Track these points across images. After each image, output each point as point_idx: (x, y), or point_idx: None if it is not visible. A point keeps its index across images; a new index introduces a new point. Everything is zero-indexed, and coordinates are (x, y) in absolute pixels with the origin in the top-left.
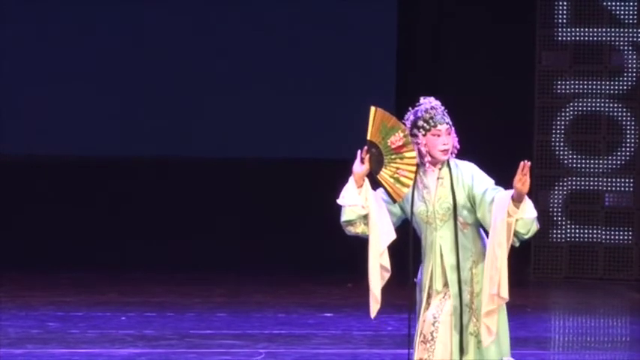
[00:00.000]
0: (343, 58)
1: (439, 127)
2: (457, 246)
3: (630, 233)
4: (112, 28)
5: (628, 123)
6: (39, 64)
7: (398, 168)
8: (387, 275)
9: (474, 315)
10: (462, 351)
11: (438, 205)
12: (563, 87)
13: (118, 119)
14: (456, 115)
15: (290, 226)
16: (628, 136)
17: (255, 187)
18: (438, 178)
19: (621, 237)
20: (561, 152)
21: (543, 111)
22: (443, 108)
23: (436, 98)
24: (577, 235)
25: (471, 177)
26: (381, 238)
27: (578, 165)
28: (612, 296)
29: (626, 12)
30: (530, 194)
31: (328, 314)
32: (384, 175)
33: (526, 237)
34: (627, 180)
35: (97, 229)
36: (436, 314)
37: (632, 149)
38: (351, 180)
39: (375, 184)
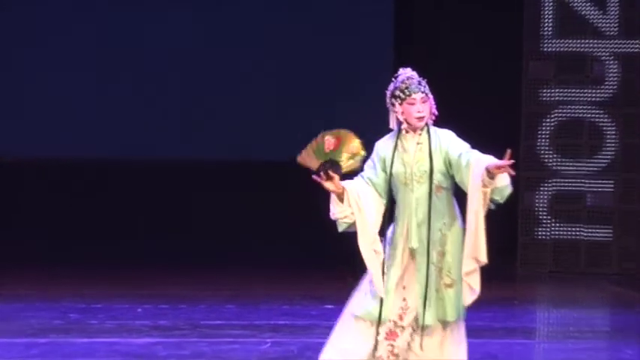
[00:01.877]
0: (337, 57)
1: (414, 95)
2: (430, 207)
3: (610, 231)
4: (111, 30)
5: (608, 128)
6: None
7: (346, 152)
8: (381, 257)
9: (440, 274)
10: (425, 305)
11: (416, 168)
12: (548, 95)
13: (122, 120)
14: (449, 120)
15: (291, 225)
16: (608, 140)
17: (260, 188)
18: (418, 143)
19: (602, 234)
20: (546, 156)
21: (529, 117)
22: (420, 79)
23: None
24: (561, 233)
25: (448, 142)
26: (370, 229)
27: (562, 167)
28: (594, 289)
29: (607, 25)
30: (516, 195)
31: (329, 306)
32: (346, 167)
33: (501, 202)
34: (607, 181)
35: (114, 227)
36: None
37: (612, 153)
38: (333, 197)
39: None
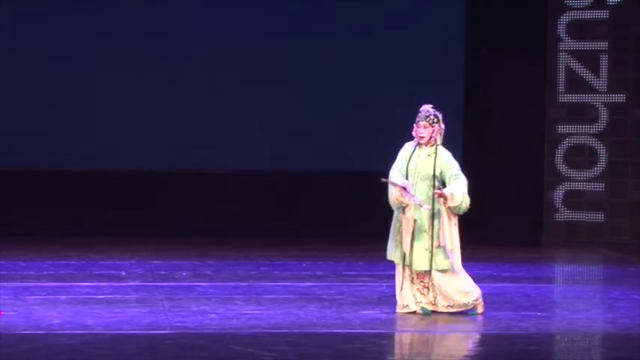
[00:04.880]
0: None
1: (420, 122)
2: (433, 194)
3: (602, 215)
4: (110, 32)
5: (600, 151)
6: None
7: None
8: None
9: (432, 238)
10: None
11: (422, 169)
12: (562, 129)
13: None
14: (498, 143)
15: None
16: (600, 158)
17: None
18: (428, 155)
19: (596, 217)
20: (561, 167)
21: (550, 143)
22: (433, 112)
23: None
24: (570, 216)
25: (447, 161)
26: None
27: (571, 175)
28: (592, 252)
29: (600, 84)
30: (542, 192)
31: None
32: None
33: (460, 212)
34: (600, 184)
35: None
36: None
37: (603, 166)
38: (397, 193)
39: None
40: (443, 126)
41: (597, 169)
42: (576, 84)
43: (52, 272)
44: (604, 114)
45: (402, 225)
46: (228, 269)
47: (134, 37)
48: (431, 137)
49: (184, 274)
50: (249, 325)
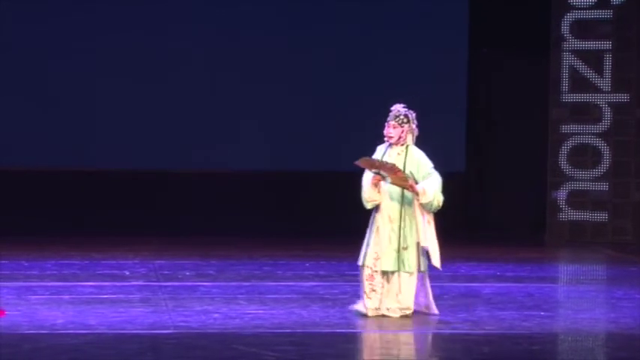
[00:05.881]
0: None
1: (390, 122)
2: (402, 195)
3: (605, 215)
4: (110, 33)
5: (604, 150)
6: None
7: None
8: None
9: (399, 239)
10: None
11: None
12: (565, 129)
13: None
14: (507, 143)
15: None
16: (604, 158)
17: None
18: (398, 154)
19: (600, 217)
20: (564, 167)
21: (554, 143)
22: (400, 112)
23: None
24: (574, 216)
25: (418, 159)
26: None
27: (574, 175)
28: (595, 252)
29: (604, 83)
30: (545, 191)
31: None
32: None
33: (432, 210)
34: (604, 184)
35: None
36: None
37: (607, 166)
38: (370, 188)
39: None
40: (414, 126)
41: (601, 169)
42: (580, 84)
43: (55, 272)
44: (607, 114)
45: (377, 222)
46: (231, 269)
47: (134, 38)
48: (400, 137)
49: (187, 273)
50: (252, 324)
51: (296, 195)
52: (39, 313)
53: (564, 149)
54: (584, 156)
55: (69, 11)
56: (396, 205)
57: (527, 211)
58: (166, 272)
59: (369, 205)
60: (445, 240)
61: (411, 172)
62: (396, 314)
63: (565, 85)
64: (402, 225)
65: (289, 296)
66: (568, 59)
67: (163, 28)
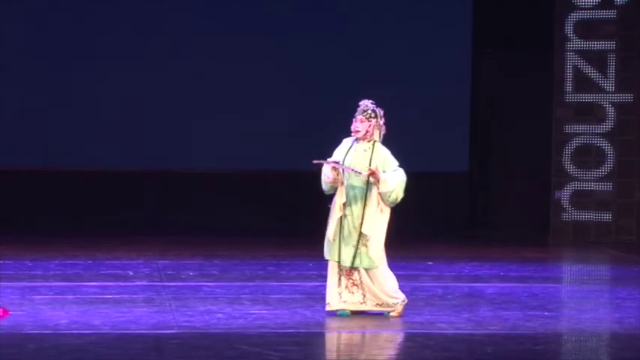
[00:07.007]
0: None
1: (357, 116)
2: (365, 191)
3: (610, 215)
4: (111, 33)
5: (608, 150)
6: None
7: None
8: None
9: (358, 236)
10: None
11: (357, 164)
12: (569, 129)
13: (125, 133)
14: (501, 142)
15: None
16: (608, 158)
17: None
18: (365, 150)
19: (604, 217)
20: (568, 167)
21: (558, 143)
22: (368, 107)
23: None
24: (578, 216)
25: (385, 157)
26: (343, 193)
27: (579, 175)
28: (599, 252)
29: (608, 83)
30: (549, 191)
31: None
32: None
33: (389, 201)
34: (608, 184)
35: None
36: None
37: (611, 166)
38: (329, 171)
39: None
40: (382, 122)
41: (605, 169)
42: (584, 84)
43: (59, 272)
44: (611, 114)
45: (331, 209)
46: (234, 269)
47: (134, 38)
48: (367, 132)
49: (191, 273)
50: (256, 324)
51: (300, 195)
52: (43, 313)
53: (568, 149)
54: (588, 156)
55: (70, 11)
56: (350, 192)
57: (531, 211)
58: (170, 272)
59: (328, 188)
60: (449, 240)
61: (377, 169)
62: (377, 309)
63: (569, 85)
64: (346, 213)
65: (293, 296)
66: (572, 59)
67: (163, 28)
